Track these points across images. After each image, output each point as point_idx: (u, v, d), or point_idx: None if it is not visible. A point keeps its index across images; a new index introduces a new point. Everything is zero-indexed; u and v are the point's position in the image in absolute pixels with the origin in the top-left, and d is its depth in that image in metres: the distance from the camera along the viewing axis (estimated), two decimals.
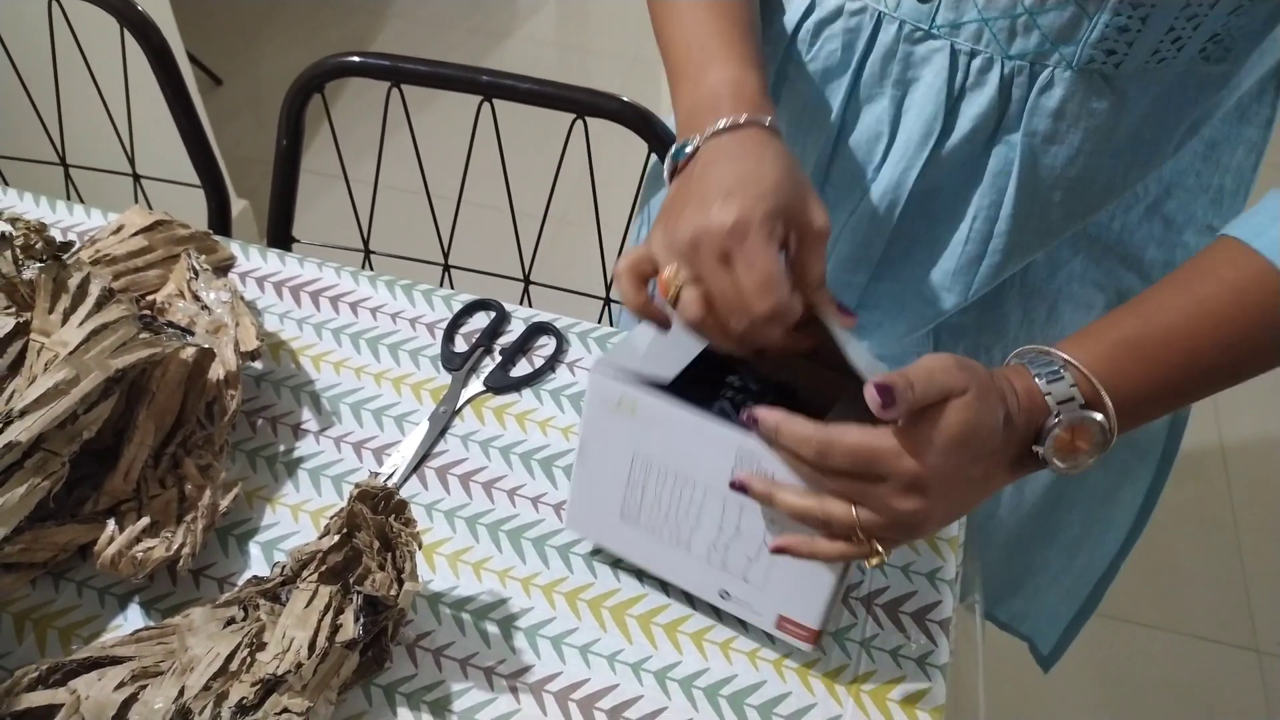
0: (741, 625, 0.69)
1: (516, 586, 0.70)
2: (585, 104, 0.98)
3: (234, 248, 0.92)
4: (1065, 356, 0.54)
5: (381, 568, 0.63)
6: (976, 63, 0.64)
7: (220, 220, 1.15)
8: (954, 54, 0.65)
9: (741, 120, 0.58)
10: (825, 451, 0.52)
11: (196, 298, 0.80)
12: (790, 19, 0.71)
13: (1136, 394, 0.54)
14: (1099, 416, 0.53)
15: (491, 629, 0.68)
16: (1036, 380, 0.54)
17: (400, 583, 0.62)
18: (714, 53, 0.62)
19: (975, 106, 0.66)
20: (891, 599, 0.70)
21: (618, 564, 0.72)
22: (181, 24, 1.92)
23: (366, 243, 1.14)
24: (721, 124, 0.58)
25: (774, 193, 0.53)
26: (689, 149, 0.59)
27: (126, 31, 1.05)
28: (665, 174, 0.61)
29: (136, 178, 1.18)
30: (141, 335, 0.71)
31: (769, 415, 0.54)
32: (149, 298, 0.82)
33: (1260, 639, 1.63)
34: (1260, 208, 0.56)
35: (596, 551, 0.72)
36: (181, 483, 0.71)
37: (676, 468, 0.63)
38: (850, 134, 0.73)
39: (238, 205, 2.11)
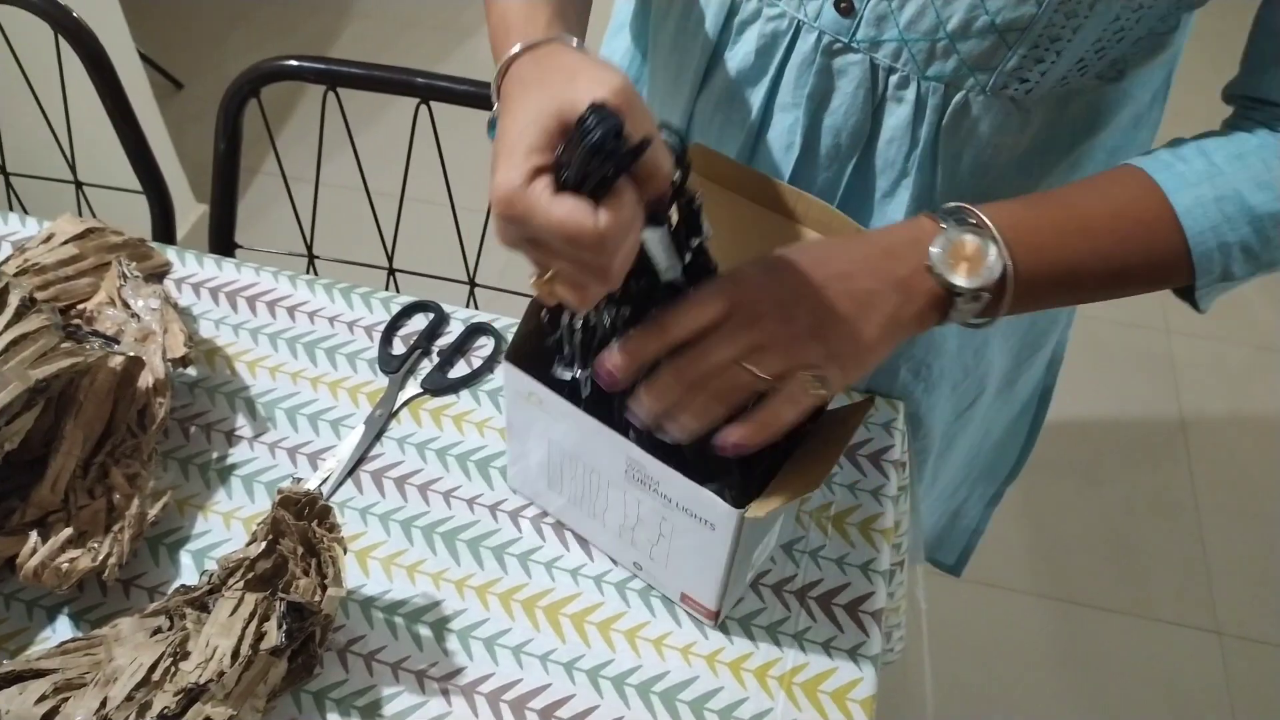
0: (675, 621, 0.69)
1: (450, 589, 0.70)
2: None
3: (171, 254, 0.91)
4: (973, 208, 0.58)
5: (306, 573, 0.63)
6: (894, 79, 0.65)
7: (164, 226, 1.14)
8: (873, 68, 0.65)
9: (517, 51, 0.54)
10: (670, 333, 0.55)
11: (126, 305, 0.79)
12: (715, 14, 0.71)
13: (1031, 260, 0.57)
14: (990, 246, 0.57)
15: (424, 632, 0.68)
16: (935, 216, 0.59)
17: (324, 588, 0.62)
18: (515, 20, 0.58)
19: (894, 119, 0.67)
20: (825, 591, 0.71)
21: (552, 564, 0.72)
22: (139, 27, 1.91)
23: (310, 247, 1.13)
24: (511, 52, 0.54)
25: (535, 119, 0.47)
26: (495, 107, 0.56)
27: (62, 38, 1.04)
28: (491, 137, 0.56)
29: (79, 185, 1.17)
30: (63, 345, 0.70)
31: (607, 361, 0.56)
32: (79, 306, 0.81)
33: (1221, 622, 1.65)
34: (1167, 149, 0.60)
35: (532, 551, 0.72)
36: (110, 492, 0.70)
37: (582, 457, 0.65)
38: (766, 137, 0.73)
39: (198, 210, 2.09)
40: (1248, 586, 1.69)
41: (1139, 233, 0.58)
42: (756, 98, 0.71)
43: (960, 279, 0.57)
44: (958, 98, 0.64)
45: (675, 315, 0.55)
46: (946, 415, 0.88)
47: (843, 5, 0.63)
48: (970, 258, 0.57)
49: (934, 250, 0.57)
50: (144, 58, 2.11)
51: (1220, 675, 1.59)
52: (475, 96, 0.99)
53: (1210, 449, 1.90)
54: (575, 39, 0.55)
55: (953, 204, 0.59)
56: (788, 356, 0.55)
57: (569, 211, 0.45)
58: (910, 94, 0.65)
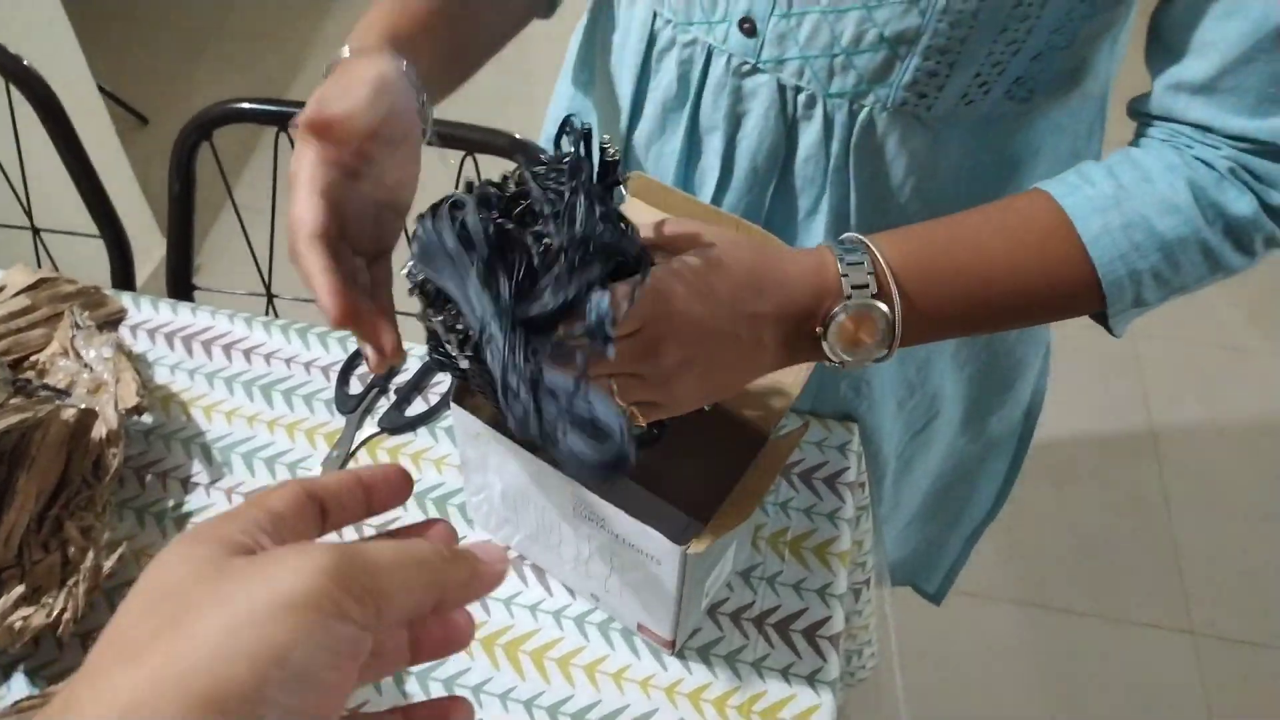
0: (634, 654, 0.69)
1: None
2: (476, 141, 0.98)
3: (126, 299, 0.91)
4: (871, 245, 0.56)
5: None
6: (802, 98, 0.66)
7: (123, 270, 1.14)
8: (781, 88, 0.66)
9: (335, 62, 0.58)
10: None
11: (79, 356, 0.79)
12: (635, 47, 0.72)
13: (927, 299, 0.56)
14: (884, 309, 0.55)
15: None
16: (838, 261, 0.55)
17: None
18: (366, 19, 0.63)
19: (807, 138, 0.67)
20: (782, 617, 0.71)
21: (511, 600, 0.72)
22: (101, 63, 1.90)
23: (269, 287, 1.14)
24: (333, 58, 0.58)
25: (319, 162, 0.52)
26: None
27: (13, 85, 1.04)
28: None
29: (35, 231, 1.17)
30: (13, 400, 0.70)
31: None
32: (32, 358, 0.81)
33: (1195, 622, 1.66)
34: (1075, 171, 0.60)
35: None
36: (64, 546, 0.70)
37: (532, 495, 0.66)
38: (698, 164, 0.74)
39: (164, 246, 2.08)
40: (1221, 586, 1.71)
41: (1044, 266, 0.58)
42: (682, 125, 0.72)
43: (849, 356, 0.56)
44: (863, 115, 0.64)
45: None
46: (898, 434, 0.88)
47: (745, 26, 0.64)
48: (861, 339, 0.55)
49: (830, 334, 0.55)
50: (106, 93, 2.10)
51: (1195, 676, 1.60)
52: (435, 135, 0.99)
53: (1180, 450, 1.91)
54: (396, 58, 0.57)
55: (855, 238, 0.57)
56: (655, 391, 0.54)
57: (321, 278, 0.51)
58: (818, 112, 0.66)
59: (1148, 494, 1.85)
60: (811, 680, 0.68)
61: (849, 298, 0.55)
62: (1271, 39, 0.53)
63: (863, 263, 0.55)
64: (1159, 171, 0.57)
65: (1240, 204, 0.57)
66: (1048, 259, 0.58)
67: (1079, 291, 0.58)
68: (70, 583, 0.68)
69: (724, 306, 0.53)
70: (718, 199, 0.73)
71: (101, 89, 1.93)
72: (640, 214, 0.69)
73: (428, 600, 0.30)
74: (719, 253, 0.54)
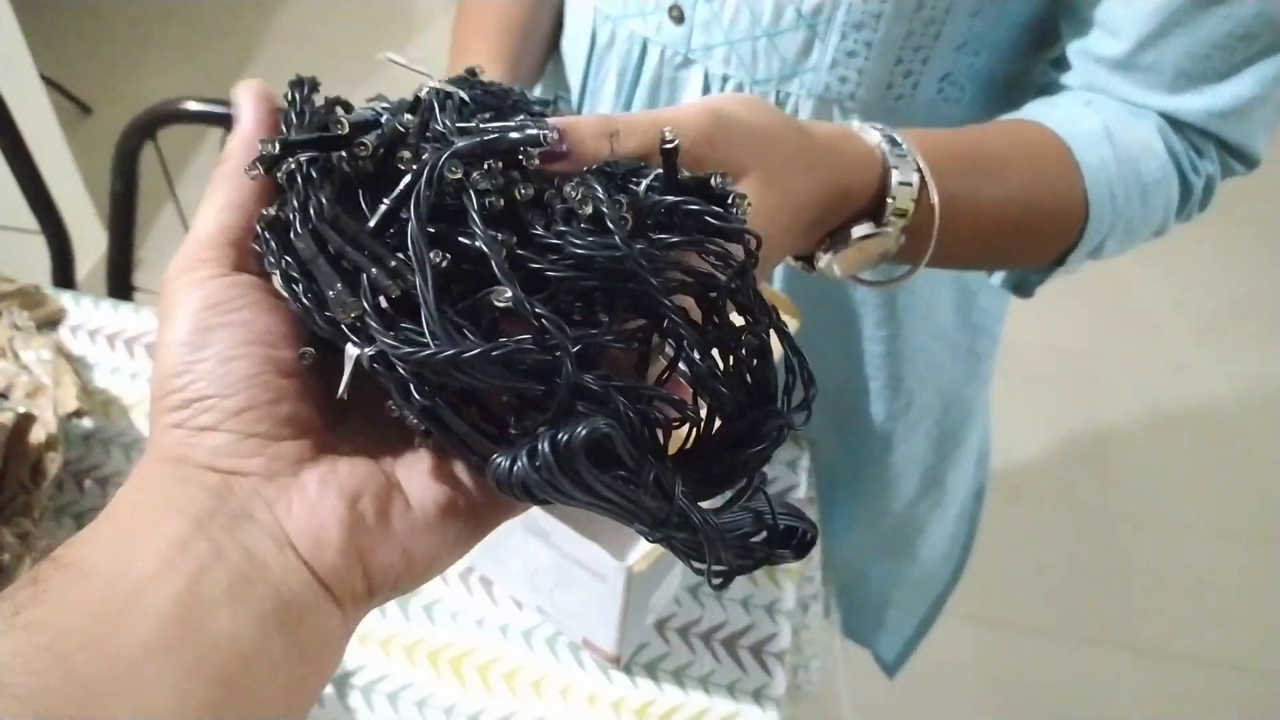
0: (580, 668, 0.69)
1: (352, 642, 0.69)
2: None
3: (66, 299, 0.89)
4: (918, 157, 0.46)
5: None
6: (728, 88, 0.66)
7: (63, 268, 1.11)
8: (707, 78, 0.66)
9: None
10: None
11: (17, 357, 0.77)
12: (580, 48, 0.73)
13: (952, 202, 0.48)
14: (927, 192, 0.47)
15: (326, 689, 0.67)
16: (891, 170, 0.45)
17: None
18: (469, 46, 0.69)
19: None
20: (729, 634, 0.71)
21: (456, 615, 0.71)
22: (44, 51, 1.86)
23: None
24: None
25: None
26: None
27: None
28: None
29: None
30: None
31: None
32: None
33: (1142, 638, 1.70)
34: (1046, 103, 0.58)
35: (434, 602, 0.72)
36: (0, 552, 0.69)
37: None
38: None
39: (105, 241, 2.04)
40: (1168, 603, 1.75)
41: (1053, 187, 0.54)
42: None
43: (841, 269, 0.47)
44: (789, 104, 0.65)
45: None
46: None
47: (674, 13, 0.65)
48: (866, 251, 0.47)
49: (838, 249, 0.46)
50: (48, 81, 2.05)
51: (1145, 692, 1.64)
52: None
53: (1129, 468, 1.96)
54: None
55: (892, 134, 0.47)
56: None
57: None
58: None
59: (1098, 512, 1.89)
60: (757, 696, 0.68)
61: (894, 197, 0.45)
62: (1185, 11, 0.53)
63: (907, 155, 0.46)
64: (1131, 112, 0.57)
65: (1200, 163, 0.57)
66: (1055, 180, 0.53)
67: (1067, 222, 0.54)
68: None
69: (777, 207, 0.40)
70: None
71: (44, 77, 1.88)
72: None
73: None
74: (785, 179, 0.40)
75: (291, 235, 0.30)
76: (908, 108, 0.64)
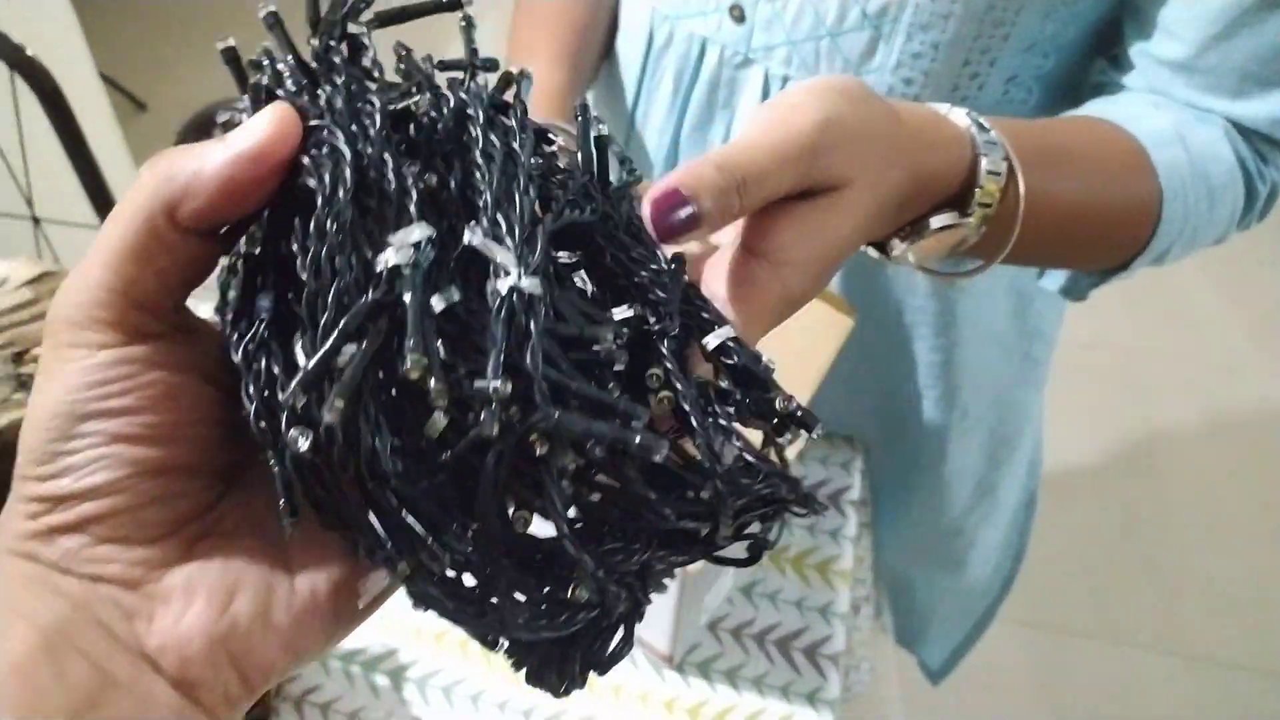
0: (633, 666, 0.69)
1: (406, 635, 0.70)
2: None
3: None
4: (1006, 145, 0.44)
5: None
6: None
7: None
8: (766, 79, 0.65)
9: None
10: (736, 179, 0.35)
11: None
12: (635, 50, 0.72)
13: (1033, 195, 0.45)
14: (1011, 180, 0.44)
15: (381, 681, 0.68)
16: (980, 157, 0.43)
17: None
18: (533, 46, 0.69)
19: None
20: (783, 635, 0.71)
21: None
22: (100, 48, 1.89)
23: None
24: None
25: None
26: None
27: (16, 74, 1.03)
28: None
29: (36, 221, 1.16)
30: (15, 395, 0.69)
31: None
32: (34, 352, 0.80)
33: (1190, 645, 1.67)
34: (1109, 102, 0.57)
35: None
36: None
37: None
38: (690, 158, 0.73)
39: None
40: (1215, 609, 1.71)
41: (1127, 185, 0.52)
42: (672, 123, 0.72)
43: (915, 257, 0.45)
44: None
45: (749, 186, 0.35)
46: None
47: (735, 12, 0.64)
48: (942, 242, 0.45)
49: (912, 239, 0.43)
50: (106, 79, 2.09)
51: (1192, 699, 1.61)
52: None
53: (1179, 471, 1.92)
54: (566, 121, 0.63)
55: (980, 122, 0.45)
56: None
57: None
58: None
59: (1145, 515, 1.85)
60: (812, 699, 0.68)
61: (981, 186, 0.43)
62: (1250, 13, 0.51)
63: (997, 143, 0.44)
64: (1197, 116, 0.55)
65: (1266, 170, 0.55)
66: (1131, 179, 0.51)
67: (1140, 223, 0.52)
68: None
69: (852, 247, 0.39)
70: None
71: (101, 74, 1.91)
72: None
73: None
74: (880, 178, 0.38)
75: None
76: (972, 109, 0.62)
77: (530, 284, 0.25)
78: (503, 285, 0.24)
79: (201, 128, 1.02)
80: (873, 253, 0.45)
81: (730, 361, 0.29)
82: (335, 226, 0.24)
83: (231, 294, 0.26)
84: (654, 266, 0.30)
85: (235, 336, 0.26)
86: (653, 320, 0.28)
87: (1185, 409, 2.03)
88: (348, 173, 0.25)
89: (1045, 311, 0.79)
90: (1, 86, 1.07)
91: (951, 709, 1.56)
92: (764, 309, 0.34)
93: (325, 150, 0.26)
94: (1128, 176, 0.52)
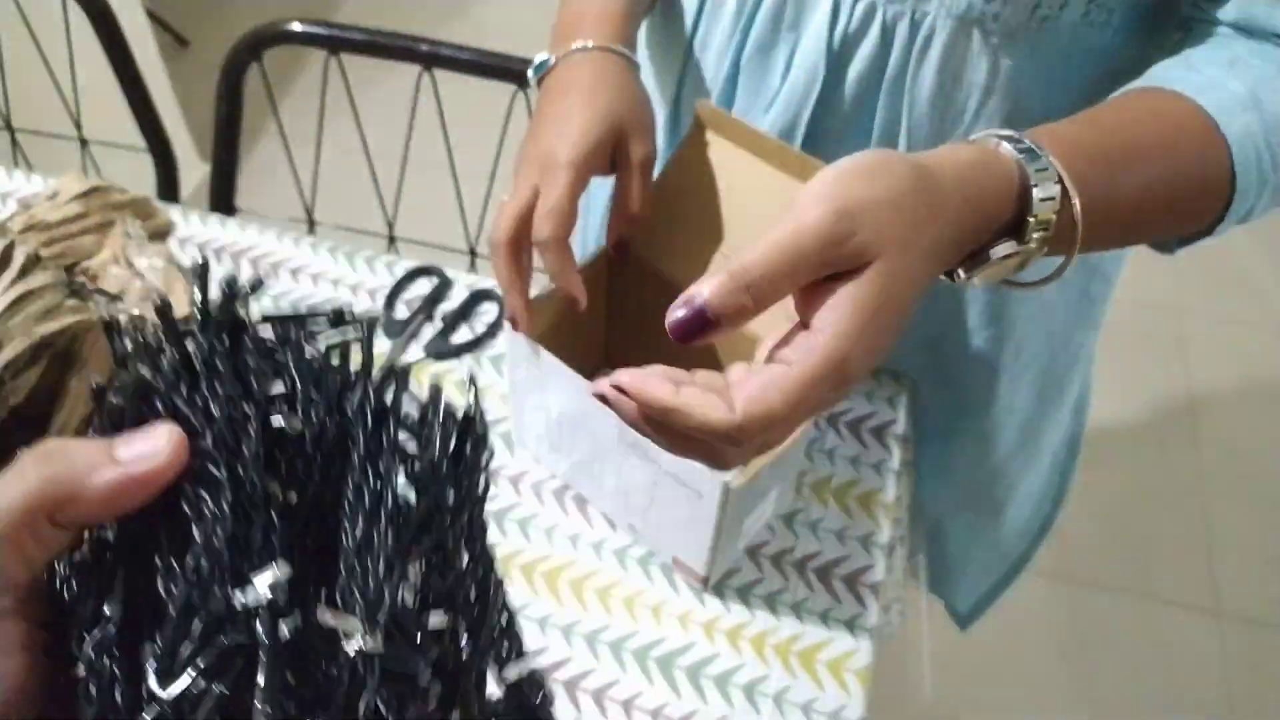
0: (673, 589, 0.69)
1: None
2: (526, 75, 0.96)
3: (174, 213, 0.91)
4: (1058, 168, 0.46)
5: None
6: (859, 10, 0.63)
7: (168, 186, 1.13)
8: (836, 1, 0.64)
9: (590, 46, 0.64)
10: (755, 298, 0.40)
11: (130, 264, 0.79)
12: None
13: (1096, 200, 0.47)
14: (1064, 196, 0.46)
15: None
16: (1023, 170, 0.45)
17: None
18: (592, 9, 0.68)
19: (860, 56, 0.65)
20: (824, 563, 0.71)
21: (551, 530, 0.72)
22: None
23: (310, 213, 1.13)
24: (575, 46, 0.64)
25: (596, 126, 0.60)
26: (550, 63, 0.66)
27: None
28: (532, 81, 0.68)
29: (83, 142, 1.17)
30: (68, 302, 0.70)
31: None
32: (83, 264, 0.81)
33: (1222, 603, 1.65)
34: (1183, 66, 0.55)
35: (531, 517, 0.72)
36: None
37: (578, 419, 0.66)
38: (750, 81, 0.72)
39: (202, 169, 2.08)
40: (1250, 569, 1.70)
41: (1191, 166, 0.52)
42: (734, 47, 0.71)
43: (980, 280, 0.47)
44: (924, 25, 0.62)
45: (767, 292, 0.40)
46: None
47: None
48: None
49: (980, 269, 0.46)
50: (151, 15, 2.09)
51: (1218, 656, 1.60)
52: (478, 65, 0.98)
53: (1219, 432, 1.89)
54: (628, 51, 0.65)
55: (1013, 135, 0.47)
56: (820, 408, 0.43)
57: (564, 204, 0.58)
58: (875, 27, 0.64)
59: (1183, 475, 1.83)
60: (851, 626, 0.68)
61: (1035, 216, 0.45)
62: None
63: (1048, 168, 0.45)
64: (1273, 72, 0.54)
65: None
66: (1197, 159, 0.52)
67: (1212, 198, 0.53)
68: None
69: (903, 310, 0.42)
70: (767, 115, 0.71)
71: (147, 11, 1.92)
72: (709, 147, 0.68)
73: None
74: (907, 251, 0.41)
75: None
76: (1052, 30, 0.61)
77: (373, 645, 0.25)
78: (350, 646, 0.25)
79: (253, 47, 1.02)
80: (943, 279, 0.47)
81: (518, 696, 0.30)
82: (207, 565, 0.25)
83: (75, 581, 0.27)
84: (479, 577, 0.30)
85: (79, 632, 0.26)
86: (465, 637, 0.29)
87: (1229, 372, 1.99)
88: (225, 508, 0.26)
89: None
90: (54, 14, 1.07)
91: (978, 658, 1.56)
92: (814, 372, 0.38)
93: (204, 483, 0.26)
94: (1193, 159, 0.52)
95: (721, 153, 0.67)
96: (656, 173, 0.66)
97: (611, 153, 0.62)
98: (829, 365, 0.39)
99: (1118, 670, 1.58)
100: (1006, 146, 0.46)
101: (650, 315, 0.72)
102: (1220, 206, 0.54)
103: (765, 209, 0.65)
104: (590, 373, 0.79)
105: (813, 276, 0.40)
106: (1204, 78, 0.54)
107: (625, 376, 0.41)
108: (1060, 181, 0.45)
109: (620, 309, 0.75)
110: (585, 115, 0.60)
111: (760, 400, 0.38)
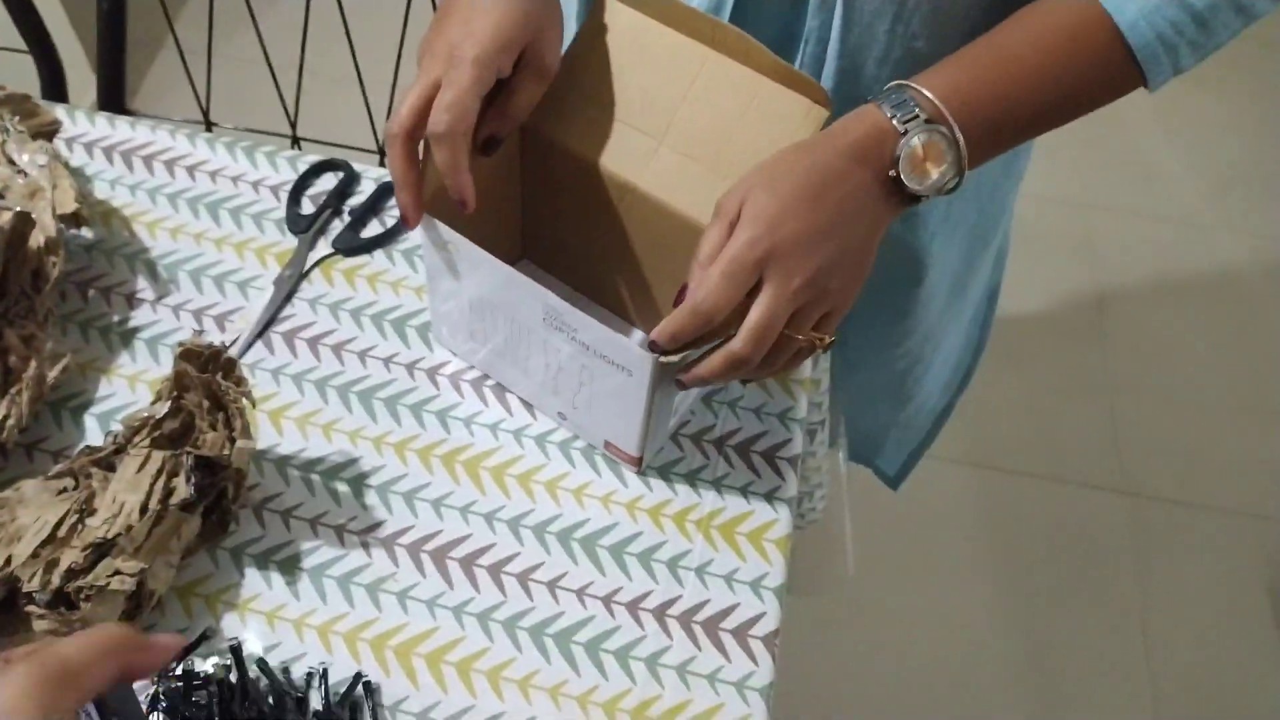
0: (595, 471, 0.69)
1: (368, 446, 0.69)
2: None
3: (59, 112, 0.86)
4: (912, 85, 0.58)
5: (214, 428, 0.61)
6: None
7: (54, 88, 1.07)
8: None
9: None
10: (707, 313, 0.54)
11: (11, 161, 0.75)
12: None
13: (978, 115, 0.57)
14: (944, 130, 0.56)
15: (342, 488, 0.67)
16: (883, 109, 0.57)
17: (233, 442, 0.60)
18: None
19: None
20: (743, 440, 0.71)
21: (471, 420, 0.71)
22: None
23: (206, 114, 1.08)
24: None
25: (507, 27, 0.58)
26: None
27: None
28: None
29: None
30: None
31: (663, 332, 0.56)
32: None
33: (1131, 482, 1.73)
34: None
35: (450, 407, 0.72)
36: (5, 355, 0.68)
37: (501, 307, 0.64)
38: None
39: (88, 85, 1.98)
40: (1158, 453, 1.77)
41: (1080, 63, 0.59)
42: None
43: (923, 186, 0.57)
44: None
45: (711, 296, 0.54)
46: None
47: None
48: (930, 161, 0.57)
49: (901, 165, 0.56)
50: None
51: (1127, 532, 1.67)
52: None
53: (1127, 325, 1.95)
54: None
55: (893, 85, 0.58)
56: (821, 305, 0.56)
57: (464, 99, 0.57)
58: None
59: (1094, 365, 1.89)
60: (769, 498, 0.69)
61: (905, 133, 0.56)
62: None
63: (906, 100, 0.57)
64: None
65: None
66: (1082, 55, 0.58)
67: (1119, 75, 0.59)
68: (13, 391, 0.66)
69: (810, 203, 0.55)
70: None
71: None
72: (616, 17, 0.66)
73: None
74: (771, 170, 0.56)
75: None
76: None
77: None
78: None
79: None
80: (908, 206, 0.59)
81: None
82: None
83: None
84: None
85: None
86: None
87: (1139, 266, 2.05)
88: None
89: None
90: None
91: (899, 541, 1.62)
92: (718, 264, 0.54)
93: None
94: (1088, 59, 0.59)
95: (629, 21, 0.65)
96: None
97: (517, 57, 0.61)
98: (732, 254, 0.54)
99: (1031, 549, 1.65)
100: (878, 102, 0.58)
101: (565, 192, 0.71)
102: (1134, 83, 0.60)
103: (676, 77, 0.64)
104: (508, 255, 0.78)
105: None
106: None
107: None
108: (928, 119, 0.56)
109: (534, 187, 0.73)
110: (495, 13, 0.58)
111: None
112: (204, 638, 0.59)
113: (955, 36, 0.66)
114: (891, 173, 0.57)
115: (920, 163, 0.56)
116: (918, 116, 0.56)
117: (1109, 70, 0.59)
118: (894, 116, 0.56)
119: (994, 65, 0.59)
